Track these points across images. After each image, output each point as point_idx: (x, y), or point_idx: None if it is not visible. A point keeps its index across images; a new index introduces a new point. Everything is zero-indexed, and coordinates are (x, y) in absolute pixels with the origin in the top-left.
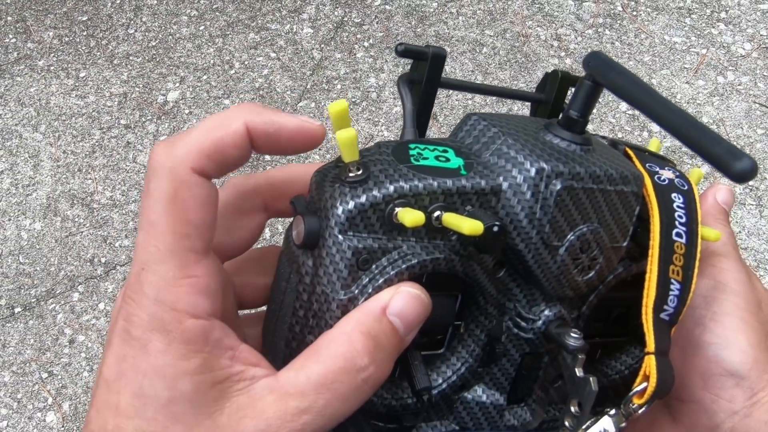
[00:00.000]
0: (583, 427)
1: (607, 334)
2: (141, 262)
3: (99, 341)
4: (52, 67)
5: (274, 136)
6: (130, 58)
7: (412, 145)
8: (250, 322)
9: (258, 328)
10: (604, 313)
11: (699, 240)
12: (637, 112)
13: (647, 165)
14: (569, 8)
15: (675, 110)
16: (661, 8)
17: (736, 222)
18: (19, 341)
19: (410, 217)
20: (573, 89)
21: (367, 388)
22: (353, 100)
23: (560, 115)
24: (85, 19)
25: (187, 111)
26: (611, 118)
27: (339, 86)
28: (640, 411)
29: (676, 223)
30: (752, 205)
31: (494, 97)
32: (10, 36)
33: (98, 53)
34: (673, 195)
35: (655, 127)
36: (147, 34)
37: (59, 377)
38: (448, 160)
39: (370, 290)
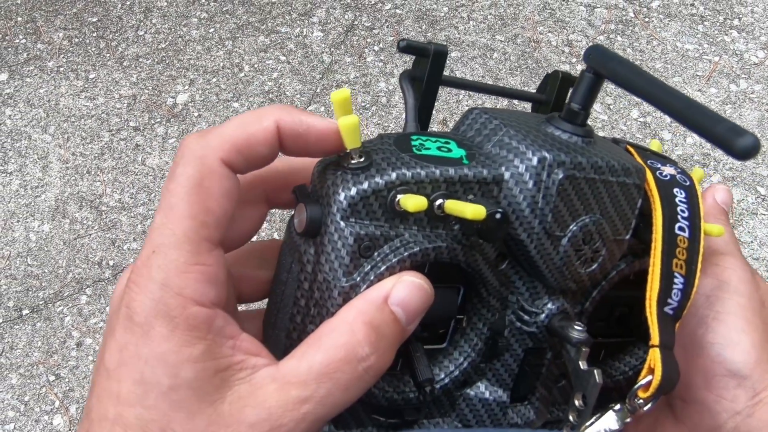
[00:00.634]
0: (588, 422)
1: (610, 335)
2: (154, 244)
3: None
4: (61, 68)
5: (303, 136)
6: (140, 59)
7: (414, 137)
8: (247, 318)
9: (256, 323)
10: (607, 313)
11: (702, 235)
12: (648, 120)
13: (648, 161)
14: (581, 14)
15: (675, 94)
16: (674, 15)
17: (748, 232)
18: (26, 343)
19: (413, 202)
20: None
21: (368, 378)
22: (363, 104)
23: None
24: (95, 20)
25: (196, 114)
26: (622, 125)
27: (349, 90)
28: (645, 408)
29: (679, 217)
30: (764, 215)
31: (497, 99)
32: (20, 36)
33: (108, 55)
34: (675, 190)
35: (666, 135)
36: (157, 36)
37: (66, 380)
38: (450, 150)
39: (372, 277)
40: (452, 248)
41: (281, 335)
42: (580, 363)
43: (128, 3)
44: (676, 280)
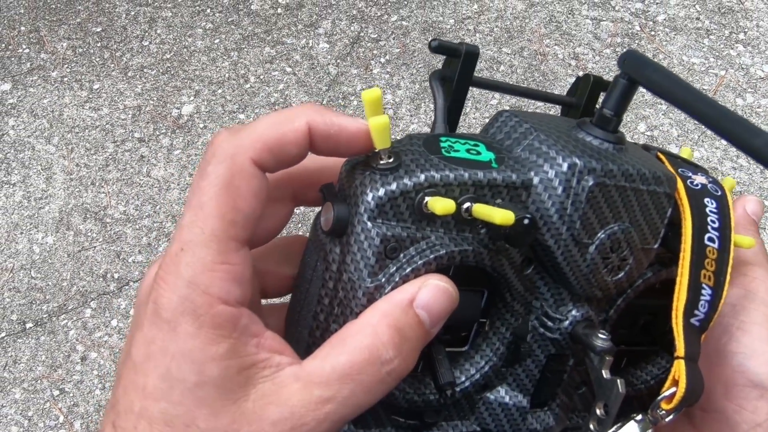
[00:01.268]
0: (610, 431)
1: (633, 343)
2: (182, 242)
3: (111, 358)
4: (65, 79)
5: (334, 137)
6: (145, 70)
7: (443, 138)
8: (271, 312)
9: (279, 317)
10: (631, 321)
11: (732, 246)
12: (655, 134)
13: (680, 170)
14: (587, 27)
15: (713, 105)
16: (680, 29)
17: None
18: (30, 357)
19: (441, 205)
20: (604, 94)
21: (390, 381)
22: None
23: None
24: (99, 30)
25: (201, 125)
26: (628, 139)
27: (355, 102)
28: (668, 418)
29: (709, 227)
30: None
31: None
32: (24, 46)
33: (112, 65)
34: (706, 200)
35: (673, 149)
36: (162, 46)
37: (71, 395)
38: (479, 153)
39: (397, 279)
40: (478, 252)
41: (304, 333)
42: (603, 372)
43: (133, 13)
44: (703, 292)
